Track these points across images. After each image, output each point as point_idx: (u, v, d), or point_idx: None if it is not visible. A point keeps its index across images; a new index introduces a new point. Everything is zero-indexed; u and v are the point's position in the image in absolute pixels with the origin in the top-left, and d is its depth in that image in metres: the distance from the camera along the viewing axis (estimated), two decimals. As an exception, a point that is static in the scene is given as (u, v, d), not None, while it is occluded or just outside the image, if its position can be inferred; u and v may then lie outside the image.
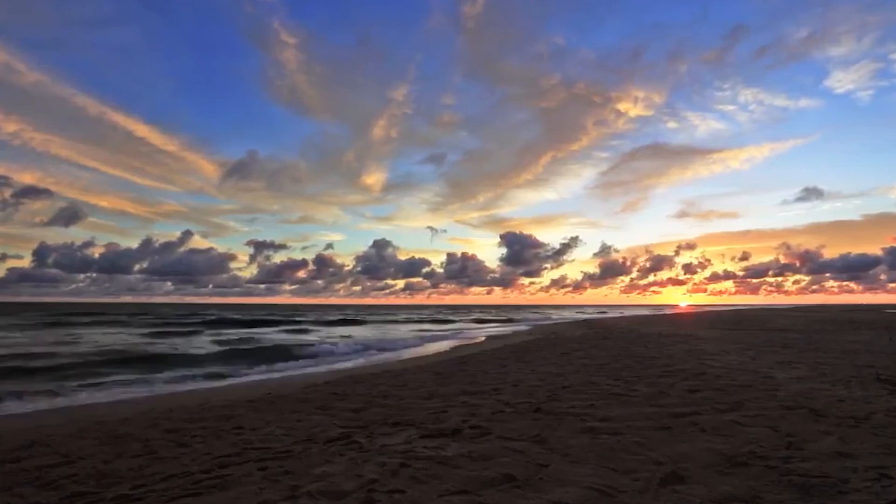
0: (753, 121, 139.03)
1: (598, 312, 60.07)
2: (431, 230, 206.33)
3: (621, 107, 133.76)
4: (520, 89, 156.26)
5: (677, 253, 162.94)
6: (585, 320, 37.12)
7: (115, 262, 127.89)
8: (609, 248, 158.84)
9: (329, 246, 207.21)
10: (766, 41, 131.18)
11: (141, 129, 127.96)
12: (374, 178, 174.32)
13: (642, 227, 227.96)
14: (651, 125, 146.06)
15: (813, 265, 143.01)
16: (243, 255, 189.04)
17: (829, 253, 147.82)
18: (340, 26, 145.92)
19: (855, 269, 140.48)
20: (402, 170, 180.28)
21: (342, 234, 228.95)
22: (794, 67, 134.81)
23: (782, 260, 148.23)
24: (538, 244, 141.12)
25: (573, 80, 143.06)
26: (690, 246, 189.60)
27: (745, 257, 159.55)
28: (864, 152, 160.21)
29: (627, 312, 66.60)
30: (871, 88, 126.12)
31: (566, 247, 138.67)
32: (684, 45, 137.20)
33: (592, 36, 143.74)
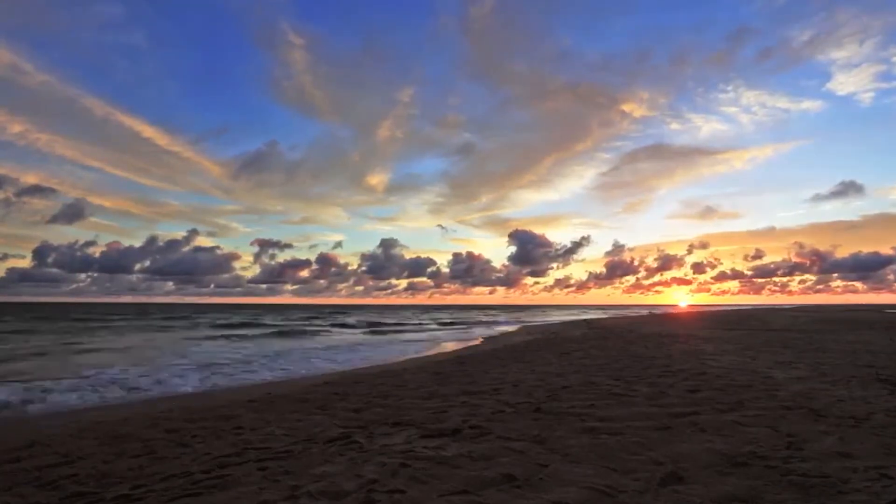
0: (756, 122, 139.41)
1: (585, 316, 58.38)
2: (442, 229, 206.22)
3: (626, 108, 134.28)
4: (525, 90, 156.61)
5: (690, 251, 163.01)
6: (585, 320, 37.05)
7: (116, 262, 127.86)
8: (622, 246, 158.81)
9: (337, 245, 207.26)
10: (770, 44, 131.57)
11: (146, 130, 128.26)
12: (378, 178, 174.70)
13: (644, 228, 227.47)
14: (655, 126, 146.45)
15: (824, 265, 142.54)
16: (247, 255, 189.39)
17: (841, 252, 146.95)
18: (348, 28, 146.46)
19: (865, 268, 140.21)
20: (405, 171, 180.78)
21: (345, 235, 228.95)
22: (797, 70, 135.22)
23: (794, 259, 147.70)
24: (547, 243, 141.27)
25: (578, 81, 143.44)
26: (703, 245, 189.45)
27: (758, 255, 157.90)
28: (865, 153, 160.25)
29: (629, 313, 66.12)
30: (873, 91, 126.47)
31: (577, 245, 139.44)
32: (688, 48, 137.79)
33: (598, 38, 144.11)
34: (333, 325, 35.72)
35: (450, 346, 17.90)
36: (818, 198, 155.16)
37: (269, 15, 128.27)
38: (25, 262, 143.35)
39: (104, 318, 44.87)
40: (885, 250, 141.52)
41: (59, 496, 3.20)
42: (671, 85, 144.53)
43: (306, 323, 39.31)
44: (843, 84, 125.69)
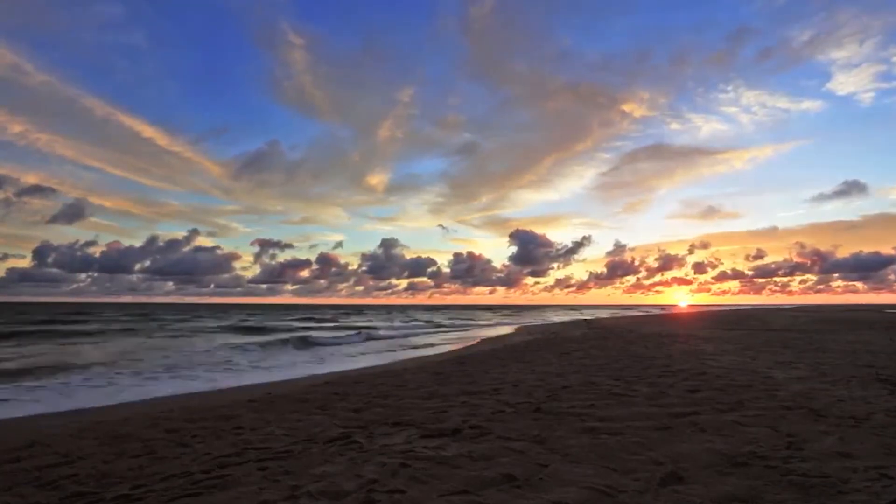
0: (756, 122, 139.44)
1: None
2: (442, 229, 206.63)
3: (626, 108, 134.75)
4: (525, 90, 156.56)
5: (690, 251, 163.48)
6: (585, 320, 36.99)
7: (116, 262, 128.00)
8: (623, 246, 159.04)
9: (338, 245, 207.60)
10: (770, 44, 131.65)
11: (147, 130, 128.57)
12: (378, 178, 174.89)
13: (645, 228, 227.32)
14: (655, 126, 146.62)
15: (825, 264, 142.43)
16: (247, 255, 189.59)
17: (841, 252, 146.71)
18: (348, 28, 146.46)
19: (866, 268, 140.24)
20: (405, 171, 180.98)
21: (345, 235, 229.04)
22: (797, 70, 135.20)
23: (795, 259, 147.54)
24: (548, 243, 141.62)
25: (578, 81, 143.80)
26: (704, 245, 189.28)
27: (759, 255, 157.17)
28: (865, 153, 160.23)
29: (632, 313, 65.95)
30: (873, 91, 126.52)
31: (578, 245, 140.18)
32: (688, 48, 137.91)
33: (598, 38, 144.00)
34: (361, 330, 26.14)
35: (450, 346, 17.91)
36: (819, 198, 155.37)
37: (269, 15, 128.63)
38: (25, 262, 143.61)
39: (104, 318, 44.92)
40: (886, 250, 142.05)
41: (59, 496, 3.20)
42: (671, 85, 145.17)
43: (316, 325, 34.55)
44: (843, 84, 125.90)
